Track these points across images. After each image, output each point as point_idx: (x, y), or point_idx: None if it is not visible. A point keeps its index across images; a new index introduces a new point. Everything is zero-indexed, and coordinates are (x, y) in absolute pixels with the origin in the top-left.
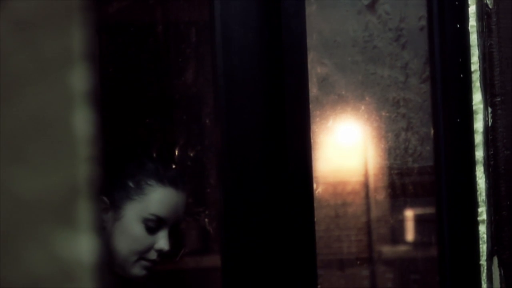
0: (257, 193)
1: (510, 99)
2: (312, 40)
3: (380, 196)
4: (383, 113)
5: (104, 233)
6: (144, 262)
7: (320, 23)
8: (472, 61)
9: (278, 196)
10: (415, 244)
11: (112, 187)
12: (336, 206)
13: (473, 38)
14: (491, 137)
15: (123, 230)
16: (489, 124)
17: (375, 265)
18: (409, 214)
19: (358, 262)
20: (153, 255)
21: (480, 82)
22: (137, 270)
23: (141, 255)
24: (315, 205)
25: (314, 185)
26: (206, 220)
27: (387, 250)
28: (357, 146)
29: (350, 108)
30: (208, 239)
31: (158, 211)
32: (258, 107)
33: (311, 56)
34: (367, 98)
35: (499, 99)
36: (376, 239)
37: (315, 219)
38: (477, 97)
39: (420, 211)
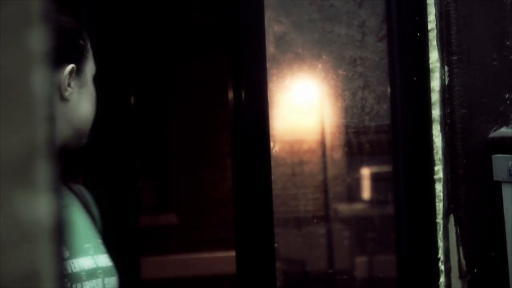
0: None
1: (467, 57)
2: None
3: (336, 154)
4: (340, 72)
5: (67, 106)
6: None
7: None
8: (428, 19)
9: (235, 154)
10: (372, 202)
11: (69, 51)
12: (293, 165)
13: None
14: (447, 96)
15: (88, 95)
16: (446, 83)
17: (331, 223)
18: (365, 172)
19: (315, 220)
20: None
21: (436, 41)
22: None
23: None
24: (272, 163)
25: (271, 144)
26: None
27: (343, 208)
28: (314, 105)
29: (307, 67)
30: (164, 198)
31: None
32: (215, 65)
33: (267, 15)
34: (324, 57)
35: (455, 57)
36: (332, 197)
37: (272, 178)
38: (434, 56)
39: (376, 169)
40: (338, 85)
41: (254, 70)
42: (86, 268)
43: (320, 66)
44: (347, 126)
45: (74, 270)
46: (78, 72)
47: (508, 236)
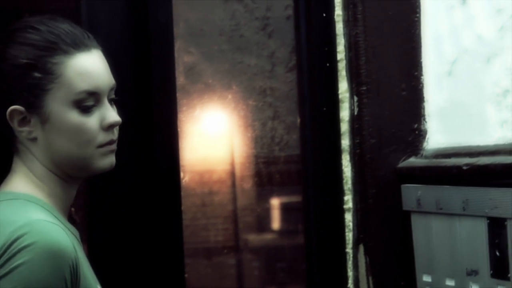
0: (123, 182)
1: (376, 88)
2: (178, 29)
3: (246, 184)
4: (250, 102)
5: (38, 144)
6: (102, 149)
7: (187, 12)
8: (338, 50)
9: (145, 185)
10: (282, 232)
11: (17, 89)
12: (203, 195)
13: (339, 27)
14: (357, 126)
15: (58, 128)
16: (355, 113)
17: (241, 254)
18: (275, 202)
19: (225, 251)
20: (107, 136)
21: (346, 71)
22: (102, 162)
23: (94, 143)
24: (182, 193)
25: (181, 174)
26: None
27: (253, 238)
28: (224, 135)
29: (217, 97)
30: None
31: (83, 85)
32: (125, 96)
33: (177, 45)
34: (234, 87)
35: (365, 88)
36: (242, 227)
37: (182, 208)
38: (343, 86)
39: (286, 199)
40: (248, 115)
41: (164, 101)
42: None
43: (230, 96)
44: (257, 156)
45: None
46: (33, 109)
47: (418, 265)
